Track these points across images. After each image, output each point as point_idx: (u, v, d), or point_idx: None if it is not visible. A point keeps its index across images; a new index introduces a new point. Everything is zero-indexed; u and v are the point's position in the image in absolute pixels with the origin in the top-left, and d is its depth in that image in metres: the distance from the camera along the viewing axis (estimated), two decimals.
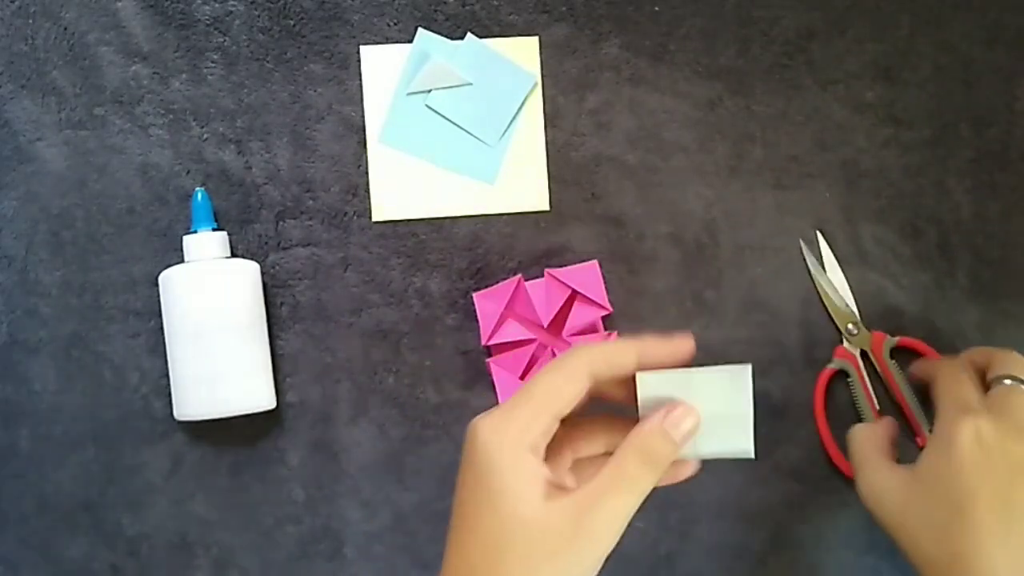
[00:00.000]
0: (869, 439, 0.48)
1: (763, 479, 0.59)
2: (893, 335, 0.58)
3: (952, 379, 0.44)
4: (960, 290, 0.60)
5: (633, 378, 0.38)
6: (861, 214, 0.60)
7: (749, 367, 0.39)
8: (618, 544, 0.60)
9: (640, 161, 0.59)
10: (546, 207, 0.59)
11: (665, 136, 0.59)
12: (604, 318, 0.58)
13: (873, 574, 0.58)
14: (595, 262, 0.57)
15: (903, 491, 0.42)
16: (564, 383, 0.36)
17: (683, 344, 0.39)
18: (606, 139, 0.59)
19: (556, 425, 0.36)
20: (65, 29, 0.57)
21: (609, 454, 0.38)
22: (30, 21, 0.57)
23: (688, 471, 0.40)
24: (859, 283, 0.59)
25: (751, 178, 0.59)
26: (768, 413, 0.59)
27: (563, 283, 0.55)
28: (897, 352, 0.58)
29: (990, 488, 0.38)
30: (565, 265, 0.58)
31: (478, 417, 0.37)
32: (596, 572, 0.35)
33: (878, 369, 0.58)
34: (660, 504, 0.58)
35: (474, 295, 0.56)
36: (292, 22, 0.58)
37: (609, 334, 0.56)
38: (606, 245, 0.59)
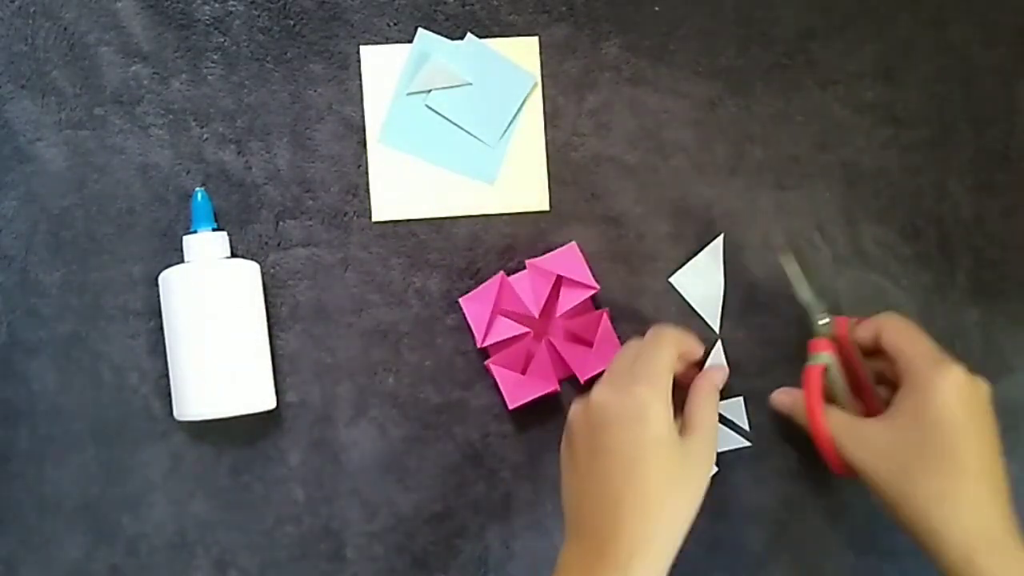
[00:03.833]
0: (833, 409, 0.51)
1: (763, 479, 0.59)
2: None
3: (915, 336, 0.48)
4: (960, 290, 0.60)
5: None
6: (861, 214, 0.60)
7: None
8: None
9: (640, 161, 0.59)
10: (546, 207, 0.59)
11: (665, 136, 0.59)
12: (592, 298, 0.57)
13: (874, 575, 0.58)
14: (573, 243, 0.57)
15: (883, 437, 0.46)
16: (669, 353, 0.49)
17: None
18: (606, 139, 0.59)
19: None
20: (65, 29, 0.57)
21: None
22: (30, 21, 0.57)
23: None
24: (859, 283, 0.59)
25: (751, 178, 0.59)
26: (768, 413, 0.59)
27: (546, 270, 0.55)
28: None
29: (972, 433, 0.44)
30: None
31: (638, 387, 0.47)
32: (704, 490, 0.47)
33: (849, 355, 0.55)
34: None
35: (460, 300, 0.56)
36: (292, 22, 0.58)
37: (602, 312, 0.56)
38: (606, 245, 0.59)
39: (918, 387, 0.45)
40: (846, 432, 0.48)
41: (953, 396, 0.44)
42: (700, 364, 0.57)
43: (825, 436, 0.51)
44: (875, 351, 0.52)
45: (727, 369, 0.55)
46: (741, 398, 0.59)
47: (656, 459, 0.45)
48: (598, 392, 0.48)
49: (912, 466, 0.44)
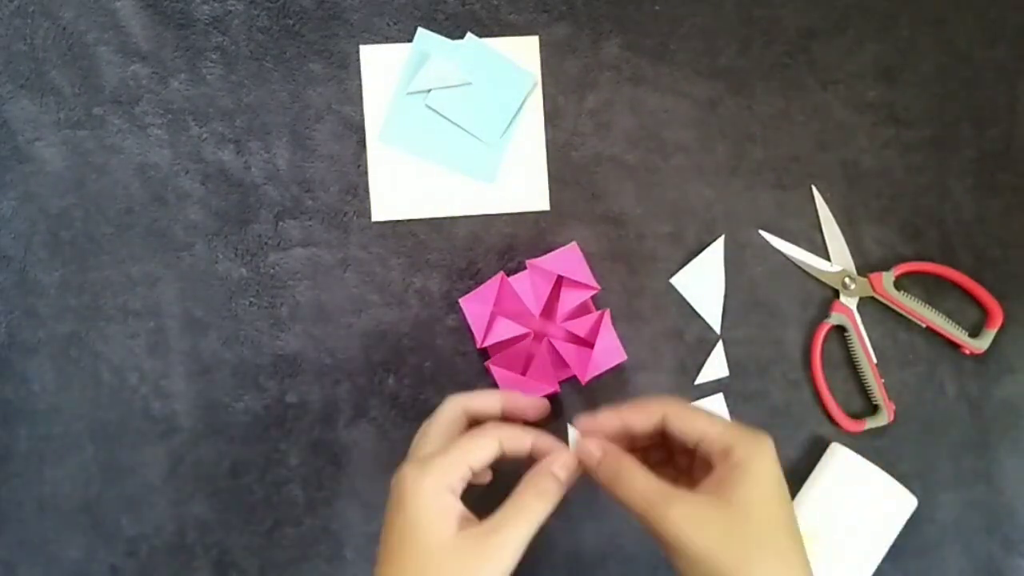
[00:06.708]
0: (649, 478, 0.42)
1: None
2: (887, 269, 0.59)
3: (705, 416, 0.43)
4: (960, 290, 0.60)
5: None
6: (861, 214, 0.60)
7: None
8: (620, 545, 0.60)
9: (640, 161, 0.59)
10: (546, 207, 0.58)
11: (665, 136, 0.59)
12: (592, 298, 0.57)
13: (873, 573, 0.58)
14: (574, 243, 0.56)
15: (721, 521, 0.39)
16: (478, 444, 0.44)
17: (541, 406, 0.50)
18: (606, 139, 0.59)
19: (470, 475, 0.43)
20: (64, 29, 0.57)
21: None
22: (29, 21, 0.57)
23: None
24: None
25: (751, 178, 0.59)
26: (768, 413, 0.59)
27: (546, 270, 0.55)
28: (901, 283, 0.59)
29: (792, 513, 0.41)
30: None
31: (404, 466, 0.43)
32: None
33: (891, 306, 0.59)
34: None
35: (460, 300, 0.56)
36: (291, 22, 0.58)
37: (602, 312, 0.56)
38: (606, 245, 0.59)
39: (744, 464, 0.40)
40: (676, 505, 0.40)
41: (776, 477, 0.41)
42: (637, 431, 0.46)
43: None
44: (654, 438, 0.46)
45: (574, 461, 0.45)
46: (721, 394, 0.58)
47: (412, 549, 0.41)
48: (408, 469, 0.44)
49: (745, 547, 0.39)
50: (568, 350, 0.56)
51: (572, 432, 0.52)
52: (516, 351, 0.56)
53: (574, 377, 0.57)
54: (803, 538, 0.49)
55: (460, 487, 0.43)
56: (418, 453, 0.45)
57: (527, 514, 0.42)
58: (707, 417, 0.43)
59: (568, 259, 0.56)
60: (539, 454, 0.45)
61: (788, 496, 0.41)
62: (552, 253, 0.56)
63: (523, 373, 0.56)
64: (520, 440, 0.45)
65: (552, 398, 0.58)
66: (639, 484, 0.41)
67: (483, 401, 0.49)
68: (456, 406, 0.48)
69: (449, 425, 0.47)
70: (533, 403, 0.50)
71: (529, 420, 0.50)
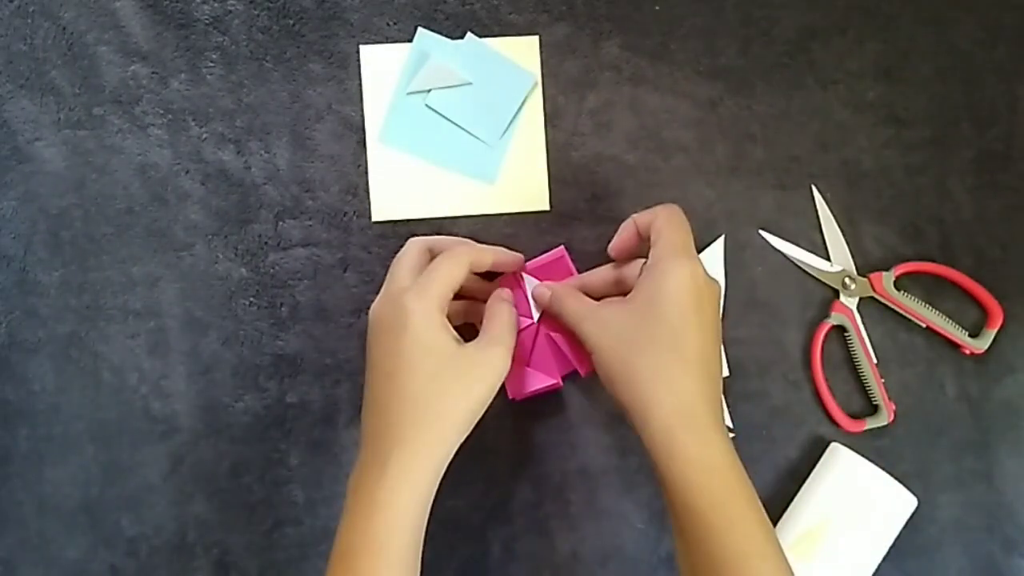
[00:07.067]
0: (581, 300, 0.52)
1: (762, 480, 0.59)
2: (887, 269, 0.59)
3: (678, 227, 0.49)
4: (960, 290, 0.60)
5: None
6: (861, 214, 0.60)
7: None
8: (620, 545, 0.60)
9: (640, 161, 0.59)
10: (546, 207, 0.58)
11: (666, 136, 0.59)
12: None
13: (873, 573, 0.58)
14: (561, 248, 0.57)
15: (619, 316, 0.48)
16: (454, 264, 0.49)
17: (518, 258, 0.55)
18: (606, 139, 0.59)
19: (451, 296, 0.49)
20: (64, 29, 0.57)
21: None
22: (29, 21, 0.57)
23: None
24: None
25: (752, 178, 0.59)
26: (768, 413, 0.59)
27: (537, 279, 0.56)
28: (901, 283, 0.59)
29: (695, 322, 0.46)
30: None
31: (401, 296, 0.47)
32: (488, 400, 0.47)
33: (891, 306, 0.59)
34: (660, 505, 0.58)
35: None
36: (291, 22, 0.58)
37: None
38: (606, 245, 0.59)
39: (657, 271, 0.47)
40: (589, 315, 0.50)
41: (685, 284, 0.46)
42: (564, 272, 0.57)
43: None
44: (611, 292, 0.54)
45: (509, 291, 0.55)
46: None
47: (419, 363, 0.46)
48: (374, 305, 0.50)
49: (637, 341, 0.46)
50: (566, 341, 0.56)
51: (528, 280, 0.56)
52: (520, 340, 0.56)
53: (575, 372, 0.57)
54: (803, 538, 0.52)
55: (447, 308, 0.48)
56: (396, 287, 0.49)
57: (508, 323, 0.51)
58: (674, 228, 0.49)
59: (557, 265, 0.56)
60: (499, 266, 0.53)
61: (704, 311, 0.47)
62: (540, 258, 0.56)
63: (527, 363, 0.56)
64: (482, 256, 0.51)
65: (554, 395, 0.58)
66: (572, 305, 0.51)
67: (444, 243, 0.53)
68: (421, 246, 0.52)
69: (418, 263, 0.51)
70: (499, 258, 0.53)
71: (483, 270, 0.53)
